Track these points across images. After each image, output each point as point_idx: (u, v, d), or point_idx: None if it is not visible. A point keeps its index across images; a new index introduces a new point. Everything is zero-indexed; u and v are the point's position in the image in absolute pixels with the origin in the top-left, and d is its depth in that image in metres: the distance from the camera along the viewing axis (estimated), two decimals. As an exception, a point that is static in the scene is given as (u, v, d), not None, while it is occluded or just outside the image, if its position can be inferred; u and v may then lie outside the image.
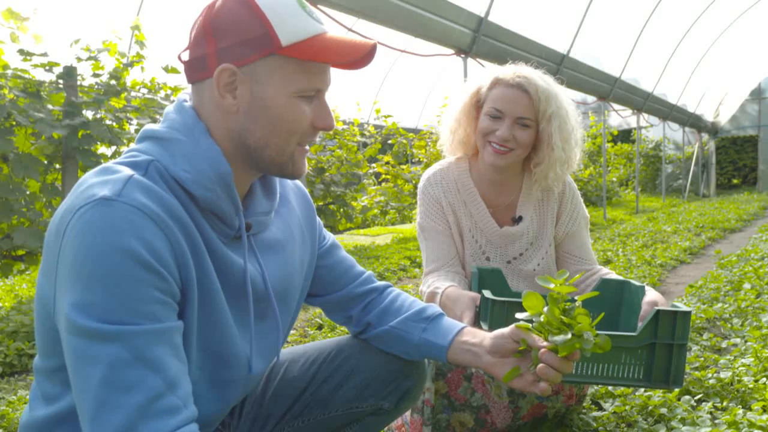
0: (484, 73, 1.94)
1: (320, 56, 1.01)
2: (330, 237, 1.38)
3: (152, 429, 0.86)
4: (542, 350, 1.12)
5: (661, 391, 2.03)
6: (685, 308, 1.45)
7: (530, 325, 1.17)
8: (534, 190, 1.96)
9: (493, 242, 1.96)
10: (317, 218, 1.34)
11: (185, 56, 1.05)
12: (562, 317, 1.12)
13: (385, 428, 1.69)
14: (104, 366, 0.86)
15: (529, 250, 1.97)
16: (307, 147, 1.09)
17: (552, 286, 1.13)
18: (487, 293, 1.54)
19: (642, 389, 2.08)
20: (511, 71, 1.86)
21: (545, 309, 1.15)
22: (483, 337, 1.24)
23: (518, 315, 1.19)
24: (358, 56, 1.01)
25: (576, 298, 1.18)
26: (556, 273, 2.01)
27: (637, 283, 1.72)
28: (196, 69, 1.03)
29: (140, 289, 0.89)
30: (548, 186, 1.94)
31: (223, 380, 1.10)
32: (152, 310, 0.90)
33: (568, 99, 1.90)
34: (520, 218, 1.96)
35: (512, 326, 1.19)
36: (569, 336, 1.10)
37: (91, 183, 0.94)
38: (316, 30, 1.02)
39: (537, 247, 1.97)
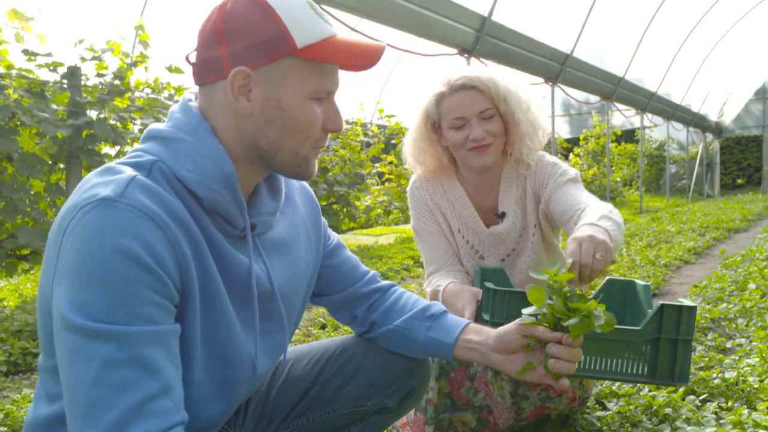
0: (422, 97, 1.93)
1: (334, 58, 1.00)
2: (335, 237, 1.38)
3: (144, 429, 0.85)
4: (549, 345, 1.13)
5: (666, 390, 2.02)
6: (690, 303, 1.44)
7: (535, 319, 1.17)
8: (512, 179, 1.93)
9: (484, 242, 1.97)
10: (322, 218, 1.34)
11: (193, 57, 1.04)
12: (567, 304, 1.13)
13: (390, 426, 1.69)
14: (98, 364, 0.85)
15: (519, 244, 1.97)
16: (320, 148, 1.09)
17: (546, 277, 1.13)
18: (489, 284, 1.55)
19: (647, 388, 2.07)
20: (445, 81, 1.86)
21: (548, 300, 1.15)
22: (487, 334, 1.24)
23: (524, 310, 1.19)
24: (371, 60, 1.01)
25: (574, 287, 1.18)
26: (547, 259, 2.01)
27: (643, 283, 1.71)
28: (207, 71, 1.02)
29: (138, 291, 0.88)
30: (525, 162, 1.91)
31: (228, 380, 1.10)
32: (149, 313, 0.89)
33: (507, 75, 1.91)
34: (504, 214, 1.95)
35: (516, 322, 1.19)
36: (579, 318, 1.10)
37: (93, 183, 0.94)
38: (328, 32, 1.02)
39: (525, 238, 1.96)
